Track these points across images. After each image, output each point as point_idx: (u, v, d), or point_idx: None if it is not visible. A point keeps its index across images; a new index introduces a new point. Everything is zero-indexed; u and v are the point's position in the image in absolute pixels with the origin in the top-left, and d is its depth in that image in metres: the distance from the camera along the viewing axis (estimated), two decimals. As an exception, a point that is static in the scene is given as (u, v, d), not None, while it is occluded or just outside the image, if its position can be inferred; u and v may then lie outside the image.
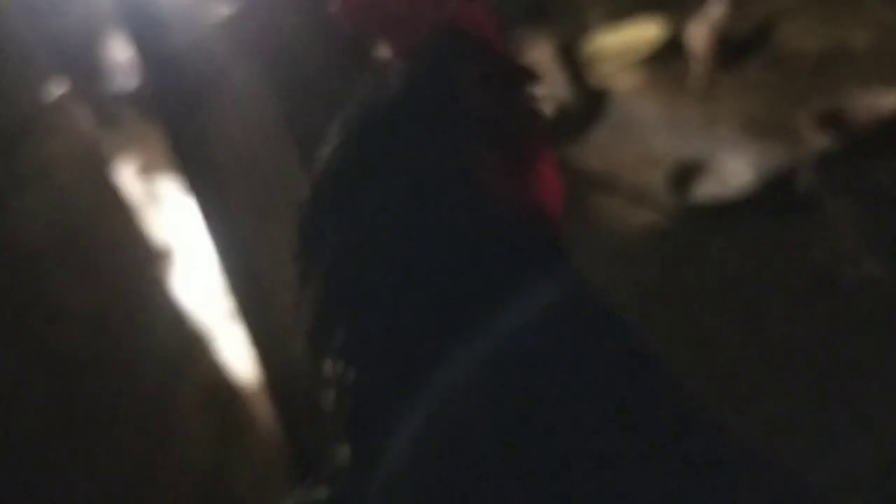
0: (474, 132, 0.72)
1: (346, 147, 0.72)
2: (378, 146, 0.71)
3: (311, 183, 0.74)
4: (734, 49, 4.17)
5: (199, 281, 3.22)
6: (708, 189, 3.46)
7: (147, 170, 4.75)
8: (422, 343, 0.65)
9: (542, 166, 0.77)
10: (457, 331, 0.64)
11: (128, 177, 4.34)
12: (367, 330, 0.67)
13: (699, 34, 4.11)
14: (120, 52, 4.82)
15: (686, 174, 3.52)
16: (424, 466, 0.62)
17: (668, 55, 4.55)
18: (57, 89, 1.70)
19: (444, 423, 0.63)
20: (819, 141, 3.07)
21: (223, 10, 1.95)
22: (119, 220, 1.82)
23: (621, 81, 4.49)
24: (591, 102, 4.26)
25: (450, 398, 0.63)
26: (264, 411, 2.16)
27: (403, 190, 0.68)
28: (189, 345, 1.94)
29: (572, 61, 4.68)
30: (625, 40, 4.79)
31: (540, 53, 4.51)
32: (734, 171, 3.41)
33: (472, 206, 0.69)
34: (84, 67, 4.99)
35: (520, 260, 0.69)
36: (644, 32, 4.74)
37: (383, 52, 0.76)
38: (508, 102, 0.75)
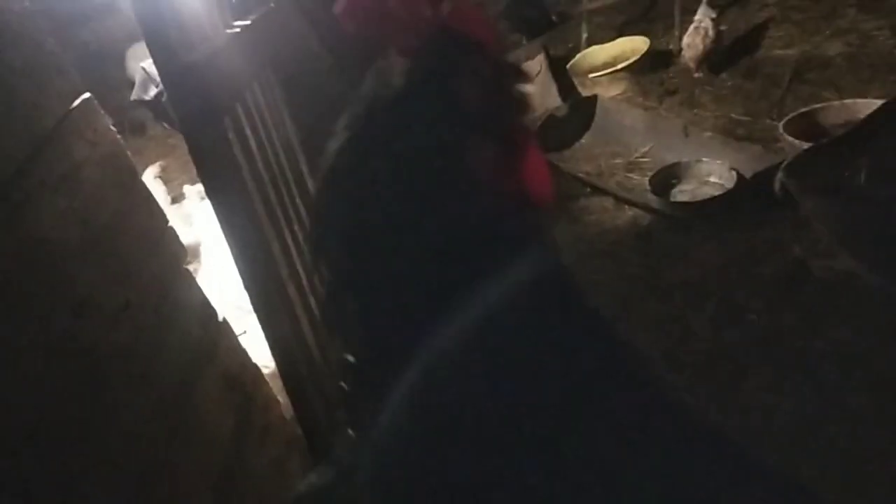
0: (470, 126, 0.72)
1: (351, 141, 0.72)
2: (380, 140, 0.71)
3: (319, 178, 0.74)
4: (716, 58, 4.18)
5: (218, 277, 3.21)
6: (690, 190, 3.45)
7: (169, 173, 4.75)
8: (419, 324, 0.65)
9: (530, 157, 0.77)
10: (450, 313, 0.64)
11: (151, 180, 4.33)
12: (371, 311, 0.68)
13: (693, 43, 4.13)
14: (142, 62, 4.81)
15: (670, 176, 3.51)
16: (416, 441, 0.63)
17: (654, 66, 4.55)
18: (82, 97, 1.68)
19: (435, 398, 0.63)
20: (795, 144, 3.06)
21: (240, 21, 1.93)
22: (143, 219, 1.80)
23: (609, 91, 4.48)
24: (580, 110, 4.26)
25: (439, 376, 0.63)
26: (281, 397, 2.15)
27: (404, 182, 0.68)
28: (210, 336, 1.93)
29: (564, 72, 4.68)
30: (613, 53, 4.79)
31: (534, 65, 4.50)
32: (714, 172, 3.41)
33: (467, 196, 0.69)
34: (108, 76, 4.98)
35: (510, 246, 0.69)
36: (631, 46, 4.75)
37: (385, 52, 0.75)
38: (500, 98, 0.76)
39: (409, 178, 0.68)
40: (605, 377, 0.65)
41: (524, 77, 0.78)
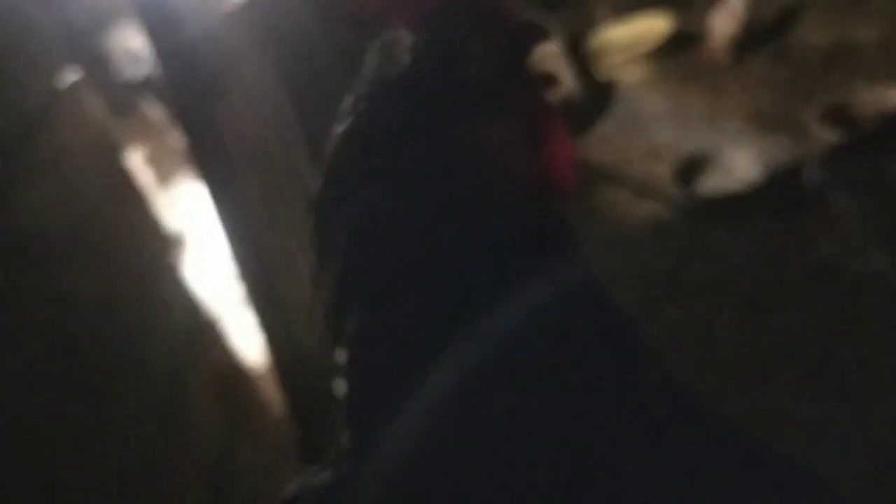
0: (484, 104, 0.70)
1: (356, 127, 0.71)
2: (387, 124, 0.69)
3: (323, 166, 0.72)
4: (743, 43, 4.16)
5: (209, 268, 3.23)
6: (714, 182, 3.45)
7: (158, 158, 4.76)
8: (432, 327, 0.64)
9: (552, 133, 0.76)
10: (466, 315, 0.63)
11: (139, 165, 4.34)
12: (380, 314, 0.66)
13: (723, 22, 4.09)
14: (131, 41, 4.81)
15: (692, 167, 3.51)
16: (424, 451, 0.62)
17: (675, 48, 4.53)
18: (69, 78, 1.70)
19: (445, 409, 0.62)
20: (825, 135, 3.06)
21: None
22: (131, 207, 1.83)
23: (628, 74, 4.47)
24: (598, 95, 4.25)
25: (453, 386, 0.62)
26: (274, 396, 2.16)
27: (414, 170, 0.67)
28: (200, 331, 1.95)
29: (580, 54, 4.67)
30: (632, 33, 4.77)
31: (548, 46, 4.49)
32: (740, 164, 3.40)
33: (483, 184, 0.68)
34: (96, 56, 4.99)
35: (530, 244, 0.68)
36: (651, 26, 4.73)
37: (391, 26, 0.73)
38: (518, 72, 0.74)
39: (420, 165, 0.66)
40: (641, 401, 0.64)
41: (544, 36, 0.75)
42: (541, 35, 0.75)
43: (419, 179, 0.67)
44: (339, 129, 0.72)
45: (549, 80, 0.75)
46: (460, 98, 0.70)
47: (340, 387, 0.68)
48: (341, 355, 0.68)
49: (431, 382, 0.63)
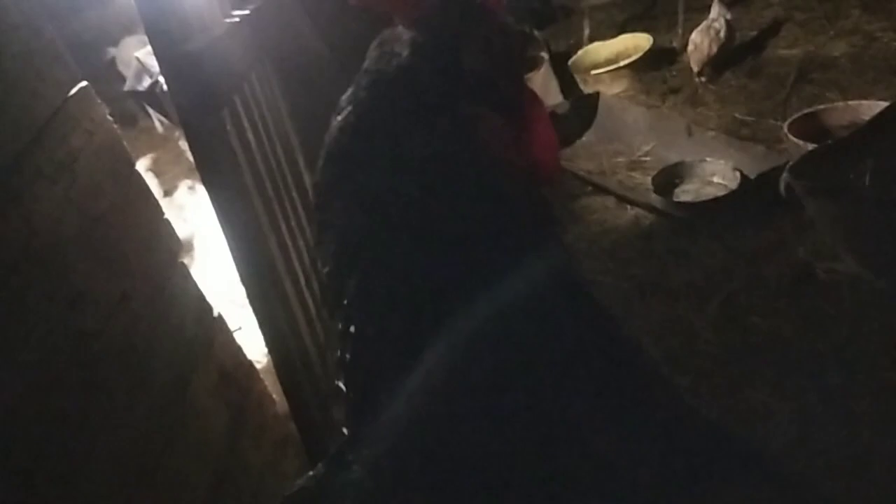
0: (478, 97, 0.71)
1: (356, 114, 0.71)
2: (385, 115, 0.70)
3: (325, 147, 0.73)
4: (722, 58, 4.18)
5: (214, 270, 3.23)
6: (693, 189, 3.47)
7: (164, 164, 4.75)
8: (424, 303, 0.65)
9: (537, 121, 0.77)
10: (459, 294, 0.64)
11: (147, 170, 4.33)
12: (375, 289, 0.67)
13: (704, 39, 4.10)
14: (137, 53, 4.80)
15: (672, 175, 3.53)
16: (418, 439, 0.62)
17: (657, 64, 4.56)
18: (79, 87, 1.69)
19: (438, 391, 0.62)
20: (800, 145, 3.08)
21: (240, 11, 1.94)
22: (139, 211, 1.82)
23: (611, 88, 4.49)
24: (582, 108, 4.26)
25: (446, 365, 0.62)
26: (276, 394, 2.16)
27: (409, 155, 0.67)
28: (204, 329, 1.93)
29: (565, 68, 4.69)
30: (615, 50, 4.81)
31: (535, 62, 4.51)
32: (718, 172, 3.42)
33: (474, 168, 0.68)
34: (103, 67, 4.98)
35: (519, 225, 0.69)
36: (633, 43, 4.76)
37: (392, 22, 0.74)
38: (508, 66, 0.75)
39: (416, 155, 0.67)
40: (617, 382, 0.65)
41: (532, 40, 0.77)
42: (529, 41, 0.77)
43: (414, 164, 0.67)
44: (340, 116, 0.72)
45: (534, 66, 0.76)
46: (456, 92, 0.70)
47: (337, 358, 0.68)
48: (337, 328, 0.68)
49: (424, 361, 0.63)
